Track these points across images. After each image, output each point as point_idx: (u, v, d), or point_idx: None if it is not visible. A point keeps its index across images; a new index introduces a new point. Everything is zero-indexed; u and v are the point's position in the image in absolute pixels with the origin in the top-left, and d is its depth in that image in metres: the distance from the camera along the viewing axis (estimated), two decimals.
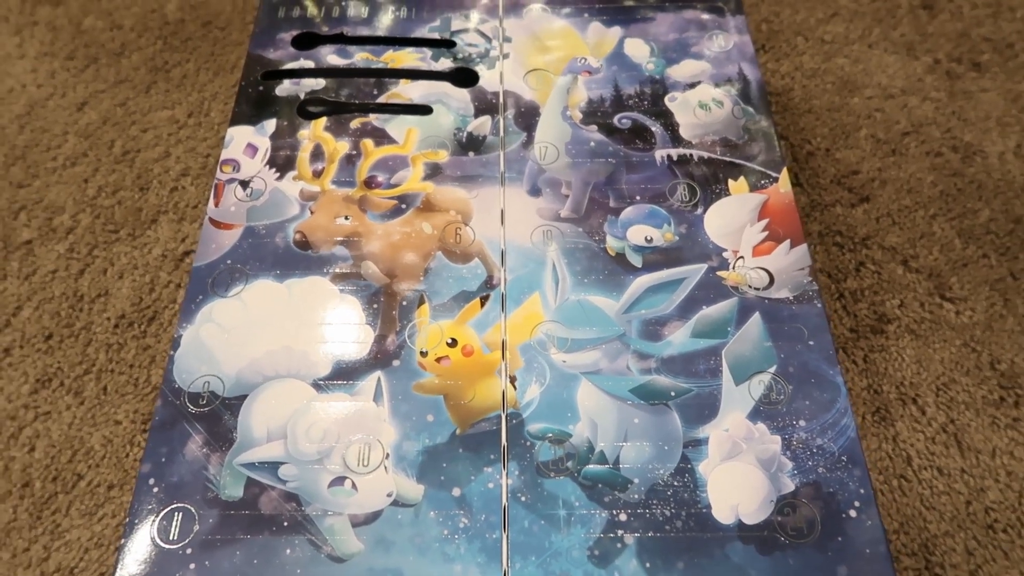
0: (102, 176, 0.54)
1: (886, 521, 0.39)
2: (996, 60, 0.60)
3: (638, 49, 0.47)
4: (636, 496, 0.32)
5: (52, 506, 0.41)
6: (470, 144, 0.42)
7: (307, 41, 0.47)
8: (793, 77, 0.59)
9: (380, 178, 0.41)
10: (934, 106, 0.57)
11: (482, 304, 0.37)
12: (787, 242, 0.39)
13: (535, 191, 0.41)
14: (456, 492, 0.32)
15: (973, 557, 0.39)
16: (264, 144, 0.42)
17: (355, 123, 0.43)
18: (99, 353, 0.46)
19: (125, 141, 0.56)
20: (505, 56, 0.47)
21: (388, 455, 0.32)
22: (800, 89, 0.58)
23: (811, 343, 0.36)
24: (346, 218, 0.39)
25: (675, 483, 0.32)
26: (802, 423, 0.34)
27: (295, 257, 0.38)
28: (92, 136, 0.56)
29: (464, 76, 0.47)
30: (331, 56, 0.47)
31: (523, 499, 0.32)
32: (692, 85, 0.46)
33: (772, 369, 0.35)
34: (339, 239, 0.39)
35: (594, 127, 0.43)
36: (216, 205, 0.40)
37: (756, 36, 0.62)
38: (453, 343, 0.35)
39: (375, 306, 0.36)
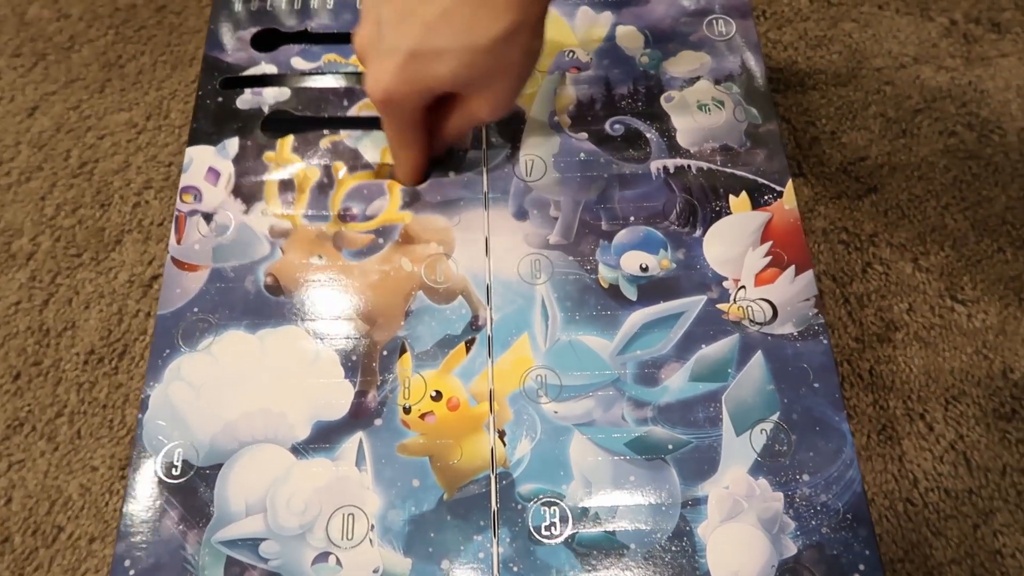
0: (60, 192, 0.51)
1: (890, 549, 0.38)
2: (1018, 18, 0.55)
3: (631, 39, 0.43)
4: (632, 563, 0.30)
5: (34, 562, 0.40)
6: (450, 160, 0.39)
7: (268, 41, 0.43)
8: (796, 48, 0.55)
9: (355, 209, 0.38)
10: (949, 76, 0.53)
11: (468, 349, 0.34)
12: (791, 268, 0.36)
13: (521, 213, 0.38)
14: (445, 564, 0.30)
15: None
16: (227, 169, 0.39)
17: (325, 143, 0.40)
18: (70, 393, 0.44)
19: (82, 150, 0.52)
20: None
21: (373, 526, 0.31)
22: (804, 62, 0.54)
23: (816, 385, 0.34)
24: (320, 257, 0.36)
25: (673, 548, 0.31)
26: (806, 477, 0.32)
27: (267, 304, 0.35)
28: (46, 146, 0.52)
29: None
30: (296, 59, 0.43)
31: (515, 569, 0.30)
32: (690, 81, 0.42)
33: (775, 416, 0.33)
34: (313, 282, 0.36)
35: (584, 135, 0.40)
36: (179, 242, 0.37)
37: (756, 0, 0.57)
38: (438, 396, 0.33)
39: (354, 358, 0.34)
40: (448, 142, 0.38)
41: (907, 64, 0.54)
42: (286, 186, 0.38)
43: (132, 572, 0.30)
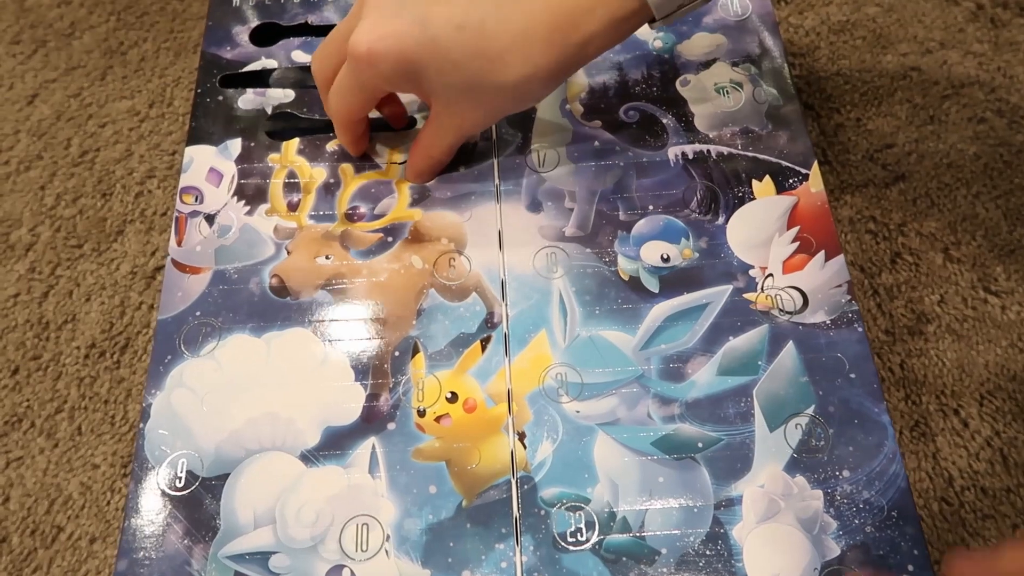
0: (60, 181, 0.49)
1: None
2: None
3: None
4: (664, 569, 0.29)
5: (32, 563, 0.38)
6: (460, 155, 0.37)
7: (267, 35, 0.41)
8: (819, 33, 0.53)
9: (363, 209, 0.36)
10: (977, 62, 0.51)
11: (483, 348, 0.33)
12: (821, 253, 0.35)
13: (535, 206, 0.36)
14: (466, 575, 0.29)
15: None
16: (230, 170, 0.37)
17: (332, 145, 0.38)
18: (71, 388, 0.42)
19: (83, 139, 0.51)
20: None
21: (388, 536, 0.29)
22: (827, 47, 0.52)
23: (852, 376, 0.32)
24: (327, 257, 0.35)
25: (707, 552, 0.29)
26: (846, 473, 0.30)
27: (273, 306, 0.34)
28: (46, 134, 0.51)
29: None
30: (296, 52, 0.41)
31: None
32: (706, 64, 0.40)
33: (810, 410, 0.31)
34: (320, 283, 0.34)
35: (598, 123, 0.38)
36: (179, 244, 0.35)
37: None
38: (453, 398, 0.32)
39: (364, 360, 0.32)
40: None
41: (933, 49, 0.52)
42: (291, 188, 0.37)
43: None
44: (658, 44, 0.41)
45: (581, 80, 0.40)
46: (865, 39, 0.53)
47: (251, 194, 0.37)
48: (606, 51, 0.33)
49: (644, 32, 0.41)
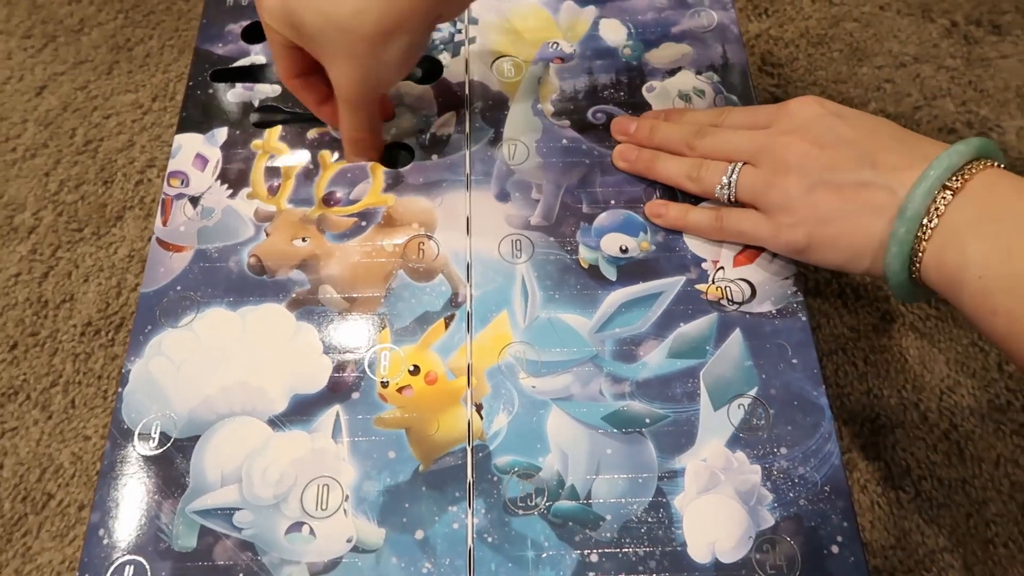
0: (64, 169, 0.52)
1: (882, 536, 0.38)
2: (1019, 21, 0.55)
3: (614, 31, 0.43)
4: (608, 534, 0.30)
5: (22, 528, 0.40)
6: (434, 146, 0.39)
7: (258, 33, 0.44)
8: (798, 45, 0.55)
9: (339, 194, 0.38)
10: (949, 75, 0.53)
11: (447, 325, 0.35)
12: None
13: (503, 195, 0.38)
14: (419, 535, 0.30)
15: (971, 573, 0.37)
16: (215, 155, 0.40)
17: (312, 133, 0.40)
18: (66, 364, 0.45)
19: (87, 129, 0.53)
20: (471, 40, 0.43)
21: (348, 497, 0.31)
22: (805, 59, 0.54)
23: (794, 361, 0.34)
24: (303, 240, 0.37)
25: (649, 519, 0.30)
26: (783, 451, 0.32)
27: (250, 283, 0.36)
28: (52, 124, 0.54)
29: (427, 68, 0.43)
30: None
31: (490, 540, 0.30)
32: (672, 72, 0.42)
33: (753, 392, 0.33)
34: (295, 263, 0.36)
35: (567, 122, 0.40)
36: (164, 224, 0.38)
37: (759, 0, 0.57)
38: (415, 370, 0.33)
39: (333, 334, 0.34)
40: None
41: (907, 63, 0.54)
42: (272, 172, 0.39)
43: (106, 542, 0.30)
44: (627, 52, 0.43)
45: (553, 82, 0.42)
46: (842, 51, 0.55)
47: (234, 178, 0.39)
48: (432, 11, 0.33)
49: (615, 39, 0.43)
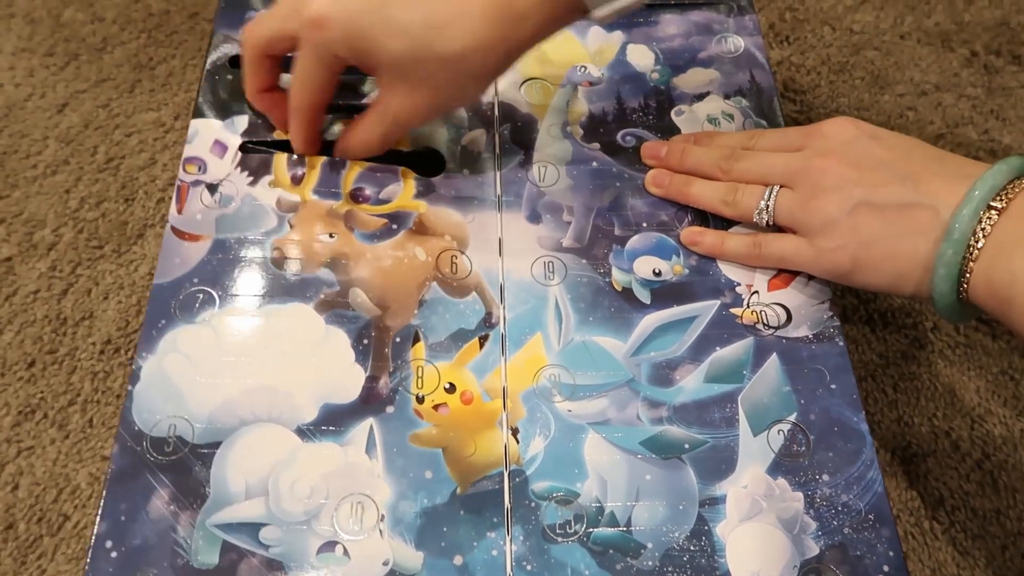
0: (85, 186, 0.51)
1: (916, 567, 0.37)
2: None
3: (642, 56, 0.44)
4: (650, 563, 0.29)
5: (37, 550, 0.39)
6: (465, 160, 0.39)
7: None
8: (819, 72, 0.55)
9: (368, 191, 0.38)
10: (971, 104, 0.53)
11: (481, 345, 0.34)
12: (805, 273, 0.36)
13: (535, 217, 0.38)
14: (458, 560, 0.29)
15: None
16: (234, 142, 0.38)
17: (338, 125, 0.40)
18: (84, 382, 0.44)
19: (109, 147, 0.53)
20: None
21: (383, 517, 0.30)
22: (827, 86, 0.54)
23: (833, 387, 0.33)
24: (331, 235, 0.36)
25: (691, 547, 0.30)
26: (826, 477, 0.31)
27: (273, 279, 0.35)
28: (74, 141, 0.54)
29: None
30: None
31: (528, 568, 0.29)
32: (700, 97, 0.42)
33: (792, 417, 0.32)
34: (324, 260, 0.35)
35: (596, 145, 0.40)
36: (180, 211, 0.36)
37: (780, 26, 0.58)
38: (451, 388, 0.33)
39: (365, 341, 0.34)
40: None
41: (929, 91, 0.54)
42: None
43: (114, 554, 0.29)
44: (655, 76, 0.43)
45: (582, 105, 0.42)
46: (863, 79, 0.55)
47: (255, 166, 0.38)
48: (544, 36, 0.34)
49: (643, 64, 0.43)
